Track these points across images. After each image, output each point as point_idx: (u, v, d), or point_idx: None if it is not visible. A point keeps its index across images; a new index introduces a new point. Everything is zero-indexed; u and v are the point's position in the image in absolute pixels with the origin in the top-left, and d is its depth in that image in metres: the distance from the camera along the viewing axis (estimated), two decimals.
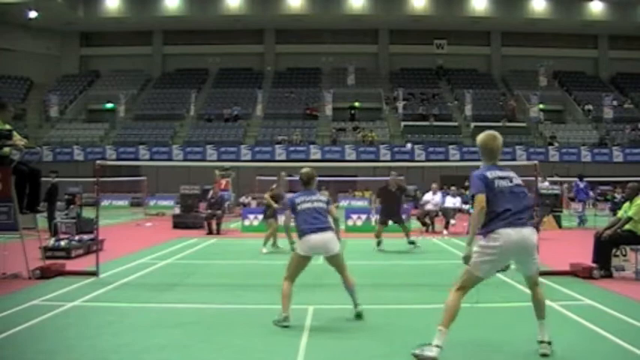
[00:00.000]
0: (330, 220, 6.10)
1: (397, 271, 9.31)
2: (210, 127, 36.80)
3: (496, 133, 4.97)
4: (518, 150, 32.51)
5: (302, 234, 5.93)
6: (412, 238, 12.43)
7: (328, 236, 5.90)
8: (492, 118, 36.49)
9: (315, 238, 5.83)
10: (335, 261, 6.02)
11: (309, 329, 5.51)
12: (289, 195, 7.41)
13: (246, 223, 16.34)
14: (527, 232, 4.67)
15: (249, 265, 10.27)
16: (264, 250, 11.52)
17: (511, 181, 4.80)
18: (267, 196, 12.28)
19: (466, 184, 19.34)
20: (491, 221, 4.64)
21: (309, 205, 6.02)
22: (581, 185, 18.79)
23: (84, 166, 28.18)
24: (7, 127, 8.08)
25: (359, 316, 5.94)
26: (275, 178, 12.59)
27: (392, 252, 11.92)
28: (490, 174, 4.76)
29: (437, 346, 4.48)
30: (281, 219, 13.10)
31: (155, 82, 42.90)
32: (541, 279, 8.08)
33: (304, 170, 6.44)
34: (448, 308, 4.67)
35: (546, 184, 18.59)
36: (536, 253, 4.80)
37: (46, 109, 38.28)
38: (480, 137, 4.98)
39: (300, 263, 5.90)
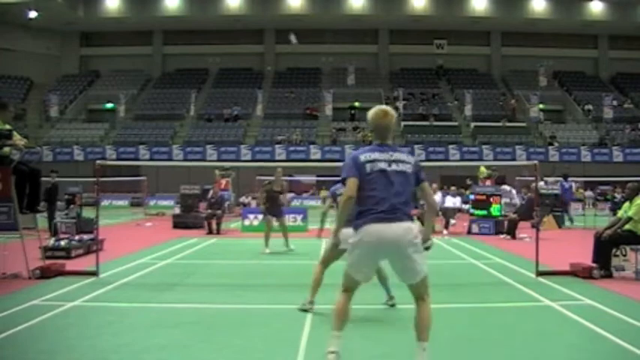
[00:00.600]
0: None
1: None
2: (210, 127, 36.81)
3: (388, 109, 4.23)
4: (518, 150, 32.55)
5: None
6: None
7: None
8: (492, 118, 36.58)
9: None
10: None
11: (309, 329, 5.50)
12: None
13: (246, 223, 16.34)
14: (400, 228, 3.90)
15: (249, 265, 10.26)
16: (267, 251, 11.50)
17: (391, 164, 4.01)
18: (260, 195, 12.32)
19: (468, 182, 19.36)
20: (360, 214, 3.99)
21: None
22: (566, 186, 18.79)
23: (84, 166, 28.18)
24: (7, 127, 8.08)
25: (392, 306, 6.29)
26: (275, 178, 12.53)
27: None
28: (364, 156, 4.05)
29: (332, 352, 3.99)
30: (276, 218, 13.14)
31: (155, 82, 42.91)
32: (541, 279, 8.15)
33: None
34: (336, 312, 4.16)
35: (541, 183, 18.59)
36: (417, 254, 4.07)
37: (46, 109, 38.29)
38: (370, 113, 4.23)
39: (335, 251, 6.03)
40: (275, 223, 12.04)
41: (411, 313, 6.38)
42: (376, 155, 4.05)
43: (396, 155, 4.08)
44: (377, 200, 3.95)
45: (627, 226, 8.42)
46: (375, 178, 3.98)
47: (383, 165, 4.00)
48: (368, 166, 4.01)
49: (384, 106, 4.27)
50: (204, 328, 5.56)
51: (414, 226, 4.05)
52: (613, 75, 42.66)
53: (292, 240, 12.04)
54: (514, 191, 17.99)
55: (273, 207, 12.01)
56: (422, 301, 4.24)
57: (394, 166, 4.02)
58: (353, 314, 6.16)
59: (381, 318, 6.06)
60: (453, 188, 17.29)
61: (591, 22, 39.97)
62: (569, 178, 19.70)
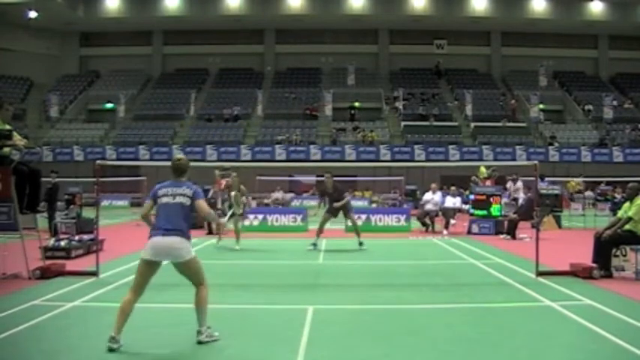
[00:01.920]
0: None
1: (397, 271, 9.31)
2: (210, 127, 36.78)
3: None
4: (519, 150, 32.53)
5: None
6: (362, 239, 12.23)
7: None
8: (492, 118, 36.57)
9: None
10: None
11: (309, 329, 5.50)
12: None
13: (246, 223, 16.33)
14: None
15: (248, 265, 10.26)
16: (237, 247, 11.93)
17: None
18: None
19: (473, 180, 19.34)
20: None
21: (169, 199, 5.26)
22: (543, 185, 18.80)
23: (84, 166, 28.17)
24: (7, 127, 8.08)
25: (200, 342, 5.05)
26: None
27: (392, 252, 11.93)
28: None
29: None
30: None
31: (155, 82, 42.89)
32: (541, 279, 8.17)
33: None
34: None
35: (519, 184, 18.59)
36: None
37: (46, 109, 38.28)
38: None
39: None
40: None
41: (413, 314, 6.40)
42: None
43: None
44: None
45: (627, 227, 8.42)
46: None
47: None
48: None
49: None
50: None
51: None
52: (613, 75, 42.65)
53: (292, 240, 12.04)
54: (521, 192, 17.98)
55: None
56: None
57: None
58: (355, 315, 6.16)
59: (381, 318, 6.05)
60: (452, 188, 17.30)
61: (591, 22, 39.96)
62: (547, 178, 19.69)
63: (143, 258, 5.16)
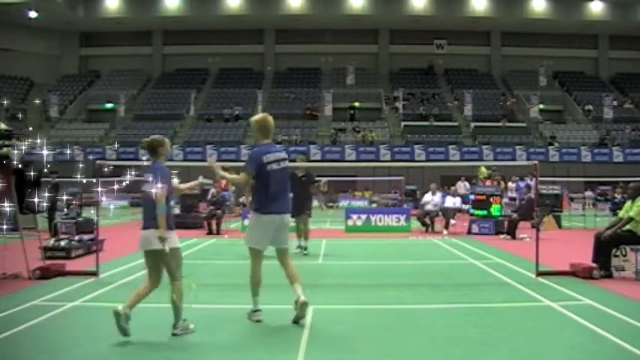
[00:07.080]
0: None
1: (397, 271, 9.31)
2: (210, 127, 36.79)
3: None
4: (518, 150, 32.54)
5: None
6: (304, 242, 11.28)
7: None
8: (492, 118, 36.59)
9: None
10: None
11: (309, 329, 5.50)
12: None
13: (246, 222, 16.29)
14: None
15: (248, 266, 10.24)
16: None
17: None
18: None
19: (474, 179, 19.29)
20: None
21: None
22: (522, 185, 18.87)
23: (84, 166, 28.13)
24: (3, 126, 8.08)
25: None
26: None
27: (392, 252, 11.93)
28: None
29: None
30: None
31: (155, 82, 42.91)
32: (541, 279, 8.17)
33: None
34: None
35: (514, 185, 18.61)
36: None
37: (46, 109, 38.28)
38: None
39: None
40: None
41: (413, 314, 6.40)
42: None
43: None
44: None
45: (628, 227, 8.41)
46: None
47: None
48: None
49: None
50: (205, 328, 5.55)
51: None
52: (613, 75, 42.66)
53: (292, 240, 11.99)
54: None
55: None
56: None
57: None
58: (355, 315, 6.16)
59: (381, 318, 6.05)
60: (452, 188, 17.30)
61: (591, 22, 39.97)
62: (526, 178, 19.74)
63: None
